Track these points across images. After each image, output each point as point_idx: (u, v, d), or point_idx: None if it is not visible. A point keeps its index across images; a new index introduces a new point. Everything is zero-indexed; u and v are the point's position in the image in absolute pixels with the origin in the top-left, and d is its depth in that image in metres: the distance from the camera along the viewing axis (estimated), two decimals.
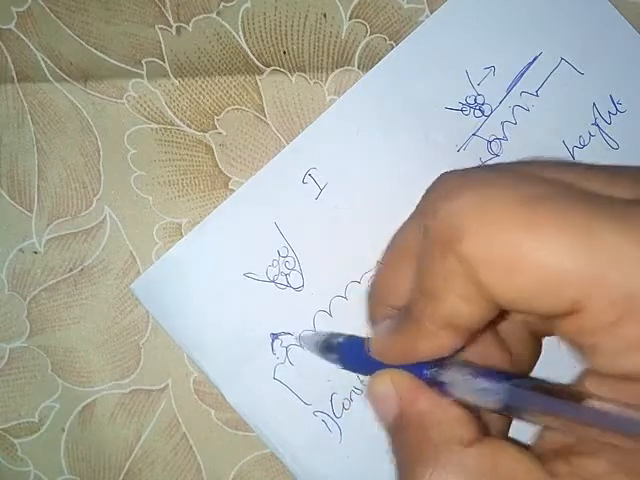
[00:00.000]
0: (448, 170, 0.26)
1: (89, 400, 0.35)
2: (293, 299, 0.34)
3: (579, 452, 0.22)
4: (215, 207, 0.35)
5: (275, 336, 0.34)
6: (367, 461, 0.34)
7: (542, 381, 0.23)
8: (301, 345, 0.34)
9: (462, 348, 0.25)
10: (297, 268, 0.34)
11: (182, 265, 0.34)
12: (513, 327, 0.28)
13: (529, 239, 0.20)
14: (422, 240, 0.24)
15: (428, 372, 0.25)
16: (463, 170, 0.25)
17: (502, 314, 0.26)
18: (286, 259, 0.34)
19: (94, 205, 0.35)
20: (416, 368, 0.26)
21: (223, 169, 0.35)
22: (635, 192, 0.22)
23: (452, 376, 0.25)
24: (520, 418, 0.23)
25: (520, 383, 0.23)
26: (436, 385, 0.25)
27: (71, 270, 0.35)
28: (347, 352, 0.30)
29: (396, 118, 0.35)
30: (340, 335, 0.32)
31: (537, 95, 0.35)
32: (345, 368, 0.31)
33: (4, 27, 0.35)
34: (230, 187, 0.35)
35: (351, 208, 0.34)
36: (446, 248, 0.22)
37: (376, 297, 0.29)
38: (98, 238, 0.35)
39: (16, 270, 0.35)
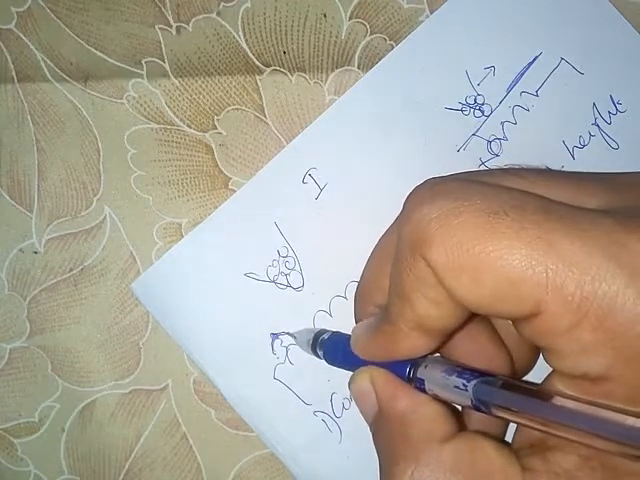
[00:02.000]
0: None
1: (89, 400, 0.35)
2: (293, 299, 0.34)
3: (552, 447, 0.23)
4: (215, 207, 0.35)
5: (275, 336, 0.34)
6: (367, 461, 0.34)
7: (513, 380, 0.24)
8: (295, 342, 0.34)
9: (437, 349, 0.26)
10: (297, 268, 0.34)
11: (182, 265, 0.34)
12: (511, 332, 0.28)
13: (491, 248, 0.21)
14: (397, 245, 0.25)
15: (406, 370, 0.26)
16: (440, 178, 0.26)
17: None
18: (286, 259, 0.34)
19: (94, 205, 0.35)
20: (396, 365, 0.26)
21: (223, 169, 0.35)
22: (600, 201, 0.24)
23: (429, 373, 0.26)
24: (491, 414, 0.23)
25: (489, 381, 0.24)
26: (414, 382, 0.26)
27: (71, 270, 0.35)
28: (331, 348, 0.31)
29: (396, 118, 0.35)
30: (326, 332, 0.32)
31: (537, 95, 0.35)
32: (330, 364, 0.31)
33: (4, 27, 0.35)
34: (230, 187, 0.35)
35: (351, 208, 0.34)
36: (416, 253, 0.23)
37: (361, 295, 0.31)
38: (98, 238, 0.35)
39: (16, 270, 0.35)
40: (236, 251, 0.34)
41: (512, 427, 0.27)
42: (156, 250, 0.35)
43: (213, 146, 0.35)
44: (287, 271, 0.34)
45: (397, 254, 0.25)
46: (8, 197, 0.35)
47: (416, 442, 0.24)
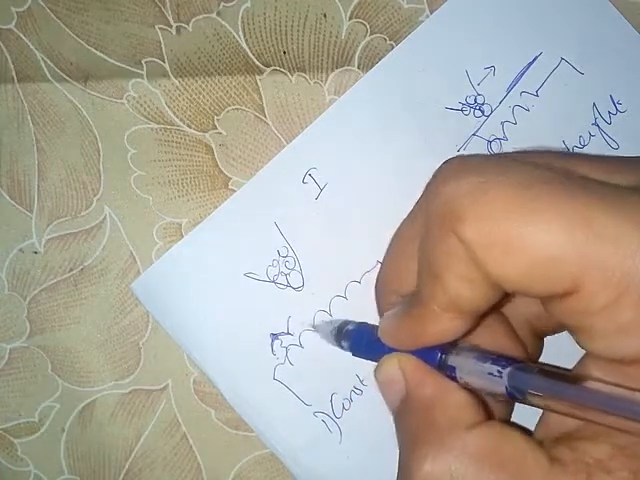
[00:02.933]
0: None
1: (89, 400, 0.35)
2: (293, 299, 0.34)
3: (581, 438, 0.22)
4: (215, 207, 0.35)
5: (275, 336, 0.34)
6: (367, 461, 0.34)
7: (547, 365, 0.23)
8: (317, 333, 0.34)
9: (469, 332, 0.25)
10: (297, 268, 0.34)
11: (182, 265, 0.34)
12: (522, 326, 0.28)
13: (527, 222, 0.21)
14: (425, 223, 0.24)
15: (437, 357, 0.26)
16: (465, 156, 0.25)
17: (508, 298, 0.27)
18: (286, 259, 0.34)
19: (94, 205, 0.35)
20: (425, 353, 0.26)
21: (223, 169, 0.35)
22: (634, 180, 0.23)
23: (460, 360, 0.25)
24: (525, 402, 0.23)
25: (524, 367, 0.23)
26: (444, 369, 0.25)
27: (71, 270, 0.35)
28: (357, 339, 0.31)
29: (396, 118, 0.35)
30: (351, 322, 0.32)
31: (537, 95, 0.35)
32: (356, 355, 0.31)
33: (4, 27, 0.35)
34: (230, 187, 0.35)
35: (351, 208, 0.34)
36: (446, 229, 0.22)
37: (384, 285, 0.30)
38: (98, 238, 0.35)
39: (16, 270, 0.35)
40: (236, 251, 0.34)
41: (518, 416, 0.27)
42: (156, 250, 0.35)
43: (213, 146, 0.35)
44: (287, 271, 0.34)
45: (426, 233, 0.24)
46: (8, 197, 0.35)
47: (441, 428, 0.24)
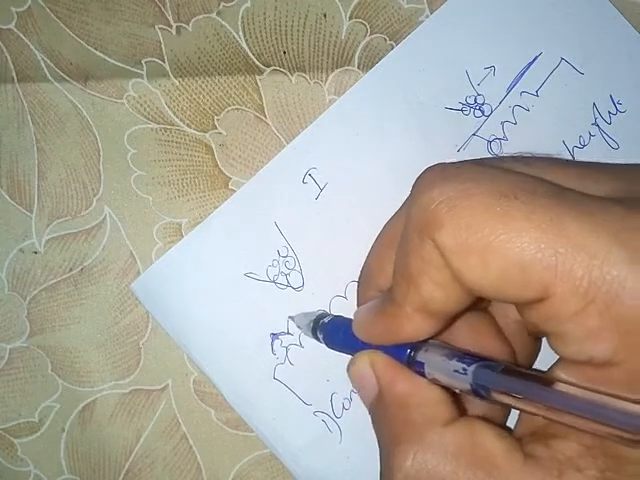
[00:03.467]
0: None
1: (89, 400, 0.35)
2: (293, 299, 0.34)
3: (555, 434, 0.23)
4: (215, 207, 0.35)
5: (275, 336, 0.34)
6: (367, 461, 0.34)
7: (513, 366, 0.24)
8: (297, 326, 0.34)
9: (440, 332, 0.26)
10: (297, 268, 0.34)
11: (182, 265, 0.34)
12: (512, 326, 0.28)
13: (500, 231, 0.21)
14: (404, 226, 0.25)
15: (406, 352, 0.26)
16: (448, 163, 0.26)
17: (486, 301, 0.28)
18: (286, 259, 0.34)
19: (94, 205, 0.35)
20: (396, 349, 0.26)
21: (223, 169, 0.35)
22: (608, 189, 0.24)
23: (428, 357, 0.26)
24: (489, 400, 0.23)
25: (490, 365, 0.24)
26: (413, 365, 0.26)
27: (71, 270, 0.35)
28: (332, 332, 0.31)
29: (396, 118, 0.35)
30: (328, 315, 0.32)
31: (537, 95, 0.35)
32: (330, 347, 0.31)
33: (4, 27, 0.35)
34: (230, 187, 0.35)
35: (351, 208, 0.34)
36: (424, 235, 0.23)
37: (364, 280, 0.31)
38: (98, 238, 0.35)
39: (16, 270, 0.35)
40: (236, 251, 0.34)
41: (513, 416, 0.27)
42: (156, 250, 0.35)
43: (213, 146, 0.35)
44: (287, 271, 0.34)
45: (404, 236, 0.24)
46: (8, 197, 0.35)
47: (418, 425, 0.24)
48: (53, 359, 0.35)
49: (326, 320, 0.32)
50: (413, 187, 0.25)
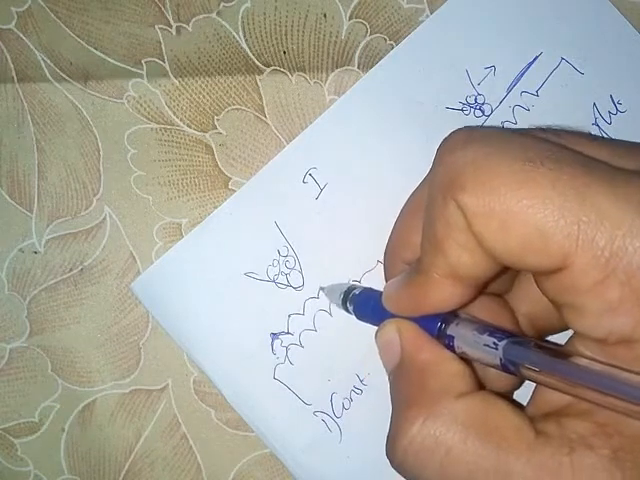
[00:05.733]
0: None
1: (89, 400, 0.35)
2: (293, 298, 0.34)
3: (568, 414, 0.23)
4: (215, 207, 0.35)
5: (275, 336, 0.34)
6: (367, 461, 0.34)
7: (544, 342, 0.23)
8: (327, 297, 0.34)
9: (468, 302, 0.26)
10: (297, 267, 0.34)
11: (182, 265, 0.34)
12: (520, 322, 0.28)
13: (523, 197, 0.21)
14: (429, 191, 0.24)
15: (436, 325, 0.26)
16: (472, 127, 0.25)
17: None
18: (286, 258, 0.34)
19: (94, 205, 0.35)
20: (426, 321, 0.26)
21: (223, 169, 0.35)
22: (636, 165, 0.23)
23: (459, 330, 0.26)
24: (518, 375, 0.23)
25: (520, 341, 0.23)
26: (443, 338, 0.26)
27: (71, 270, 0.35)
28: (363, 304, 0.31)
29: (396, 118, 0.35)
30: (358, 287, 0.32)
31: (537, 95, 0.35)
32: (360, 319, 0.31)
33: (4, 27, 0.35)
34: (230, 187, 0.35)
35: (351, 208, 0.34)
36: (447, 197, 0.23)
37: (390, 253, 0.30)
38: (98, 238, 0.35)
39: (16, 270, 0.35)
40: (236, 250, 0.34)
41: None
42: (156, 250, 0.35)
43: (213, 146, 0.35)
44: (287, 270, 0.34)
45: (429, 200, 0.24)
46: (8, 197, 0.35)
47: (433, 393, 0.24)
48: (53, 359, 0.35)
49: (357, 292, 0.31)
50: (438, 150, 0.25)
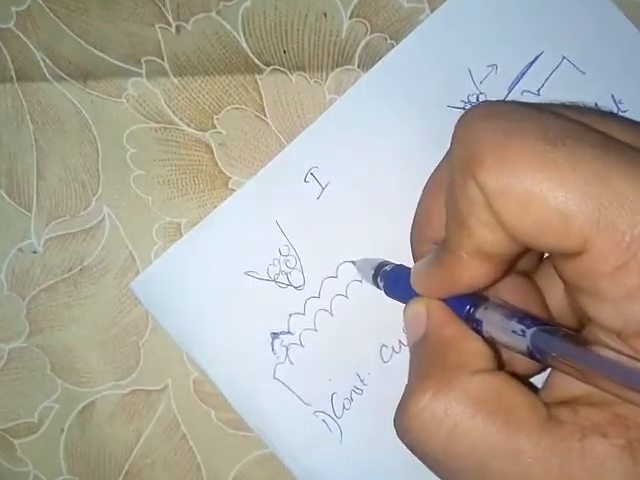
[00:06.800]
0: None
1: (89, 400, 0.35)
2: (294, 298, 0.34)
3: (584, 404, 0.23)
4: (215, 207, 0.35)
5: (275, 335, 0.34)
6: (367, 461, 0.34)
7: (573, 332, 0.23)
8: (358, 272, 0.34)
9: (495, 281, 0.25)
10: (298, 267, 0.34)
11: (182, 264, 0.34)
12: (555, 299, 0.28)
13: (544, 177, 0.21)
14: (450, 169, 0.24)
15: (465, 308, 0.26)
16: (491, 101, 0.25)
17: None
18: (287, 258, 0.34)
19: (93, 205, 0.35)
20: (455, 304, 0.26)
21: (223, 169, 0.35)
22: None
23: (488, 315, 0.25)
24: (544, 363, 0.23)
25: (550, 330, 0.23)
26: (471, 322, 0.26)
27: (70, 270, 0.35)
28: (394, 280, 0.31)
29: (397, 117, 0.34)
30: (390, 264, 0.32)
31: (539, 94, 0.35)
32: (389, 296, 0.31)
33: (3, 26, 0.35)
34: (230, 187, 0.35)
35: (353, 207, 0.34)
36: (467, 174, 0.22)
37: (416, 235, 0.30)
38: (97, 238, 0.35)
39: (15, 270, 0.35)
40: (237, 249, 0.34)
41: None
42: (155, 250, 0.35)
43: (213, 145, 0.35)
44: (288, 270, 0.34)
45: (451, 178, 0.24)
46: (7, 197, 0.35)
47: (450, 367, 0.24)
48: (52, 359, 0.35)
49: (388, 268, 0.31)
50: (456, 126, 0.25)
